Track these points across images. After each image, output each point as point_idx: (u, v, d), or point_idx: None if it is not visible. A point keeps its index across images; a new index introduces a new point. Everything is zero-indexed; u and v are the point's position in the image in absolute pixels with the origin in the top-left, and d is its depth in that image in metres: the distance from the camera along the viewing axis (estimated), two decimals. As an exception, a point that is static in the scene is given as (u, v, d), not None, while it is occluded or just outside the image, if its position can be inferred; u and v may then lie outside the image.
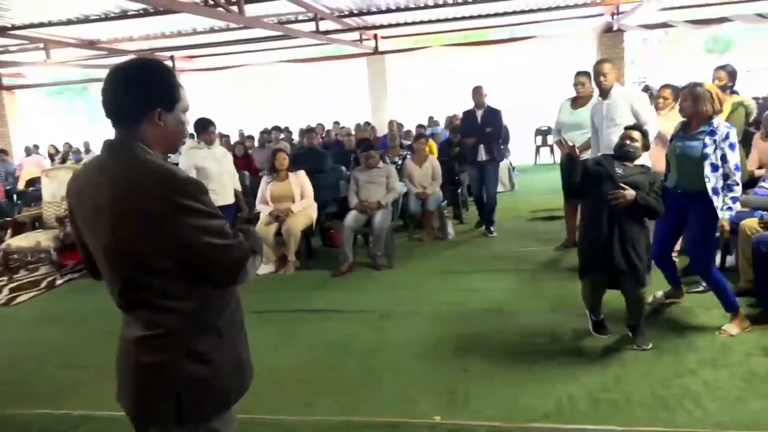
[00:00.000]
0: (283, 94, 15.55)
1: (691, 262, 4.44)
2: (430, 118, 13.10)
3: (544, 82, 13.84)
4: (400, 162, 7.80)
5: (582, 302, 4.22)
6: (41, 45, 10.83)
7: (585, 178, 3.94)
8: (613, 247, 3.79)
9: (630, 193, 3.73)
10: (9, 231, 7.03)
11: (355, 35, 12.64)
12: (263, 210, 6.44)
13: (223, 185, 5.57)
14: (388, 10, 10.94)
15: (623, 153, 4.00)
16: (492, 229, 7.17)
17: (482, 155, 7.00)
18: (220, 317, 1.77)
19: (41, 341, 4.99)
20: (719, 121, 3.95)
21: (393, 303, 5.22)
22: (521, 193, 10.28)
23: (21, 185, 11.51)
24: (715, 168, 3.90)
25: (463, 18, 11.94)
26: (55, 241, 6.61)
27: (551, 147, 13.28)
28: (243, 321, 1.92)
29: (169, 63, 14.28)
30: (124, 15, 9.67)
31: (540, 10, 11.55)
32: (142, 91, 1.67)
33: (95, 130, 15.77)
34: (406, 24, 12.41)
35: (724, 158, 3.88)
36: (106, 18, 9.76)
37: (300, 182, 6.49)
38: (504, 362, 3.91)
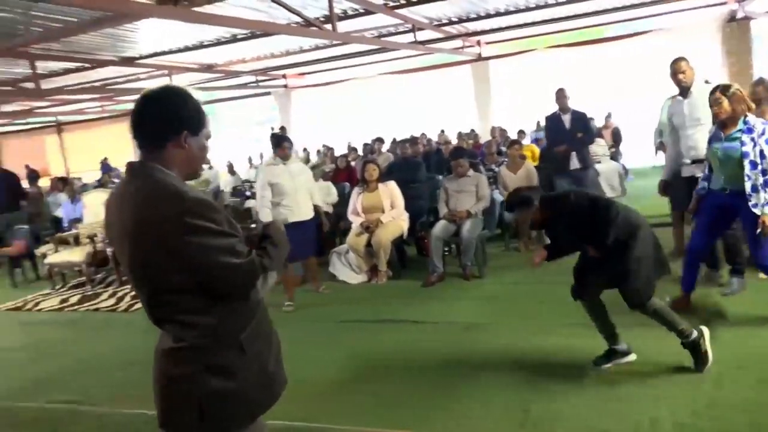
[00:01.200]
0: (389, 105, 15.73)
1: (756, 260, 4.25)
2: (538, 123, 12.71)
3: (662, 79, 12.90)
4: (497, 169, 7.62)
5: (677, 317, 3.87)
6: (165, 71, 11.77)
7: None
8: None
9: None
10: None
11: (457, 43, 12.56)
12: (354, 221, 6.54)
13: (297, 201, 5.56)
14: (488, 16, 10.78)
15: None
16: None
17: (575, 163, 6.62)
18: (243, 332, 1.81)
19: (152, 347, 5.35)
20: (755, 119, 3.98)
21: (478, 314, 5.10)
22: (633, 198, 9.61)
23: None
24: (754, 165, 3.92)
25: (576, 16, 11.45)
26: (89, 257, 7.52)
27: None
28: (271, 333, 1.96)
29: (281, 81, 15.02)
30: (234, 39, 10.28)
31: (659, 1, 10.82)
32: (171, 115, 1.76)
33: (217, 146, 16.93)
34: (509, 28, 12.16)
35: (762, 154, 3.90)
36: (219, 43, 10.42)
37: (390, 193, 6.53)
38: (586, 380, 3.67)
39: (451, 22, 11.09)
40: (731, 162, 4.02)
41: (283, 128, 12.03)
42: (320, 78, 15.46)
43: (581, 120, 6.65)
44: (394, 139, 12.71)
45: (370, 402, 3.75)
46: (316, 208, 5.86)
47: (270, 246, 1.92)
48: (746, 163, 3.93)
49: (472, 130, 12.51)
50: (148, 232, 1.67)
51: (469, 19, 11.00)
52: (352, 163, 10.31)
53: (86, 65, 10.79)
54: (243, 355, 1.80)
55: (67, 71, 11.22)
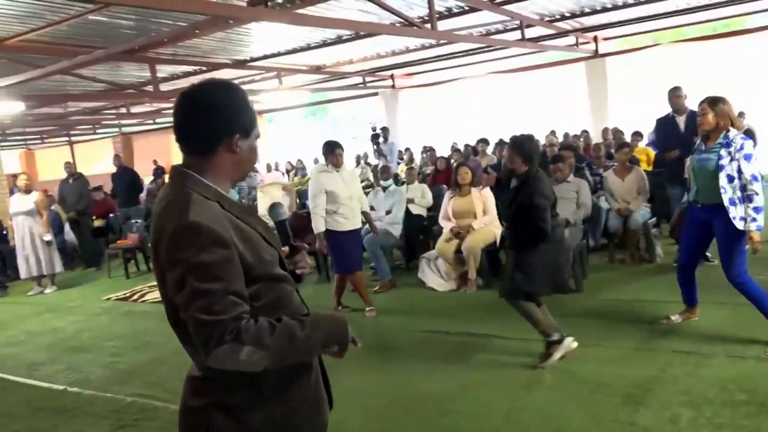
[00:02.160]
0: (497, 105, 15.24)
1: (728, 276, 4.12)
2: (658, 124, 11.75)
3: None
4: (604, 174, 7.05)
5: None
6: (275, 73, 12.10)
7: None
8: None
9: None
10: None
11: (571, 39, 11.91)
12: (445, 226, 6.31)
13: (351, 209, 5.37)
14: (605, 9, 10.10)
15: None
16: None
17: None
18: (264, 374, 1.51)
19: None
20: (735, 133, 4.00)
21: (568, 332, 4.68)
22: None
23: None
24: (731, 179, 3.94)
25: (706, 7, 10.45)
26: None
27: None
28: (309, 378, 1.68)
29: (389, 81, 15.01)
30: (339, 40, 10.35)
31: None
32: (222, 116, 1.55)
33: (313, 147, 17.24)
34: (629, 22, 11.33)
35: (740, 169, 3.92)
36: (324, 44, 10.53)
37: (483, 198, 6.22)
38: (682, 418, 3.22)
39: (563, 18, 10.51)
40: (705, 174, 4.06)
41: (385, 128, 11.97)
42: (428, 78, 15.28)
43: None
44: (501, 140, 12.29)
45: (439, 421, 3.54)
46: (364, 215, 5.67)
47: (308, 325, 1.55)
48: (722, 176, 3.95)
49: (584, 131, 11.79)
50: (158, 244, 1.51)
51: (584, 14, 10.36)
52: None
53: (203, 68, 11.32)
54: (259, 398, 1.57)
55: (186, 74, 11.85)
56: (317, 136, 20.21)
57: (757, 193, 3.89)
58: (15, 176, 9.72)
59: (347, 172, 5.59)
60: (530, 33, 10.83)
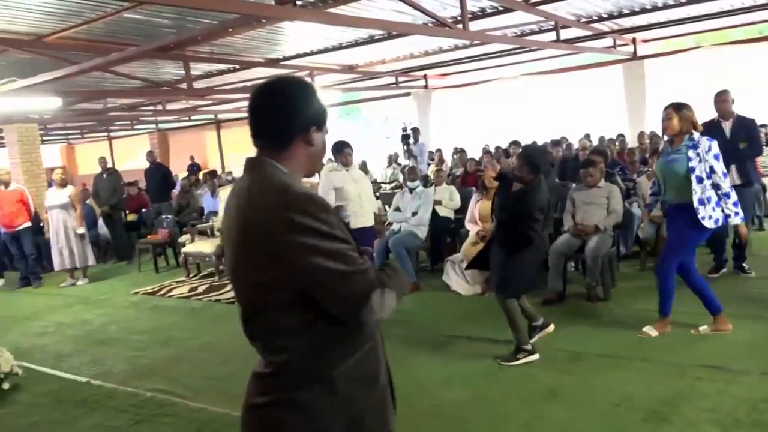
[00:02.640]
0: (532, 107, 14.98)
1: (660, 263, 4.52)
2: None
3: None
4: (638, 180, 6.87)
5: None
6: (307, 72, 12.13)
7: None
8: None
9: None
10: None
11: (608, 41, 11.65)
12: (471, 229, 6.21)
13: (361, 206, 5.38)
14: (644, 11, 9.85)
15: None
16: (745, 265, 5.86)
17: (735, 178, 5.56)
18: (337, 366, 1.52)
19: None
20: (699, 136, 4.21)
21: (591, 343, 4.56)
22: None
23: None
24: (700, 180, 4.15)
25: (758, 8, 10.10)
26: (218, 248, 7.53)
27: None
28: (378, 379, 1.63)
29: (422, 82, 14.93)
30: (371, 40, 10.32)
31: None
32: (300, 108, 1.59)
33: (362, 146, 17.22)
34: (670, 23, 11.03)
35: (711, 170, 4.16)
36: (356, 44, 10.52)
37: (510, 201, 6.09)
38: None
39: (601, 19, 10.29)
40: (673, 175, 4.27)
41: (415, 129, 11.90)
42: (461, 79, 15.15)
43: (746, 128, 5.68)
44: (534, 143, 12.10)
45: (453, 428, 3.46)
46: (375, 216, 5.69)
47: (389, 270, 1.62)
48: (693, 178, 4.14)
49: (620, 135, 11.50)
50: (249, 230, 1.48)
51: (622, 15, 10.13)
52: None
53: (236, 66, 11.42)
54: (333, 396, 1.52)
55: (220, 72, 11.97)
56: (350, 136, 20.32)
57: (730, 190, 4.20)
58: (52, 170, 9.93)
59: (357, 171, 5.66)
60: (566, 34, 10.64)
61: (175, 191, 11.86)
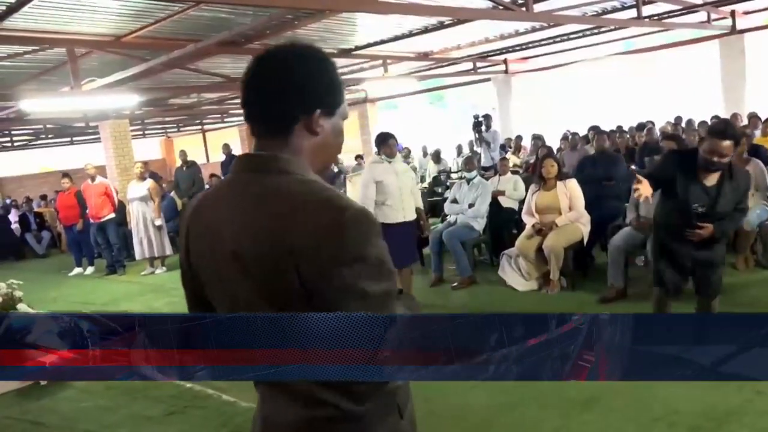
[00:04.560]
0: (617, 89, 14.13)
1: None
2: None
3: None
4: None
5: None
6: (380, 61, 12.05)
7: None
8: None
9: (708, 230, 3.54)
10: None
11: (702, 15, 10.72)
12: (527, 222, 5.91)
13: (401, 201, 5.18)
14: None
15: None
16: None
17: None
18: (398, 389, 1.30)
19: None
20: None
21: (645, 348, 4.18)
22: None
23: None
24: None
25: None
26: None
27: None
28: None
29: (502, 66, 14.44)
30: (440, 26, 10.07)
31: None
32: (299, 86, 1.24)
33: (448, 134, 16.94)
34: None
35: None
36: (426, 30, 10.30)
37: (569, 192, 5.74)
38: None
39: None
40: None
41: (487, 116, 11.53)
42: (542, 62, 14.50)
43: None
44: (619, 128, 11.40)
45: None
46: (417, 210, 5.41)
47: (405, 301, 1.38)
48: None
49: (714, 118, 10.57)
50: (283, 254, 1.14)
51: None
52: (560, 154, 9.46)
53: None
54: (402, 421, 1.32)
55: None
56: (437, 124, 20.13)
57: None
58: (145, 163, 10.45)
59: (399, 164, 5.44)
60: (652, 10, 9.91)
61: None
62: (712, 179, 3.52)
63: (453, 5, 7.58)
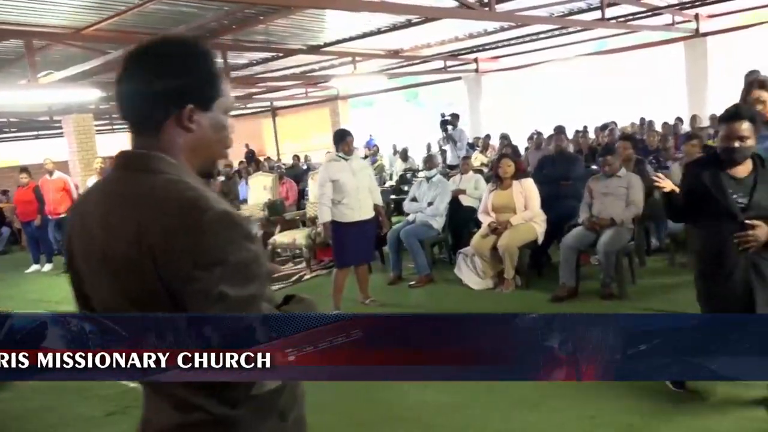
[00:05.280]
0: (586, 89, 14.26)
1: None
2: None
3: None
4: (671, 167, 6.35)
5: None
6: (349, 58, 12.02)
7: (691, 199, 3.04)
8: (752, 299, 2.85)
9: (764, 231, 2.82)
10: (278, 227, 7.90)
11: (667, 18, 10.87)
12: (483, 220, 5.94)
13: (358, 200, 5.15)
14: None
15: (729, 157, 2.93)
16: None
17: None
18: (282, 392, 1.26)
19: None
20: None
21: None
22: None
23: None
24: None
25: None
26: (307, 239, 7.17)
27: None
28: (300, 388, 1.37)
29: (473, 65, 14.48)
30: (409, 24, 10.08)
31: None
32: (166, 82, 1.18)
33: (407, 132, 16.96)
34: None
35: None
36: (395, 28, 10.30)
37: (525, 191, 5.78)
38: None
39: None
40: None
41: (454, 115, 11.56)
42: (512, 61, 14.59)
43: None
44: (584, 128, 11.53)
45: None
46: (375, 208, 5.38)
47: (293, 305, 1.34)
48: None
49: (678, 119, 10.75)
50: (147, 254, 1.11)
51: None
52: (525, 153, 9.53)
53: (279, 54, 11.45)
54: (283, 424, 1.27)
55: (264, 60, 12.03)
56: (412, 122, 20.12)
57: None
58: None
59: (356, 162, 5.39)
60: (618, 11, 10.03)
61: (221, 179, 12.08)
62: (742, 171, 2.98)
63: (416, 3, 7.57)
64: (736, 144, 2.89)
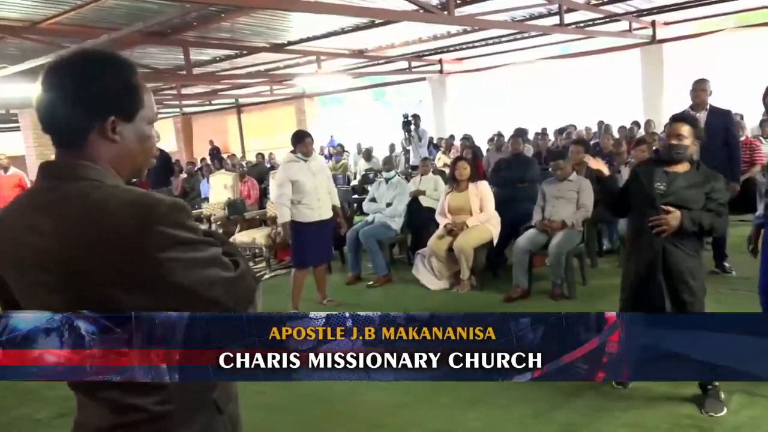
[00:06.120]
0: (547, 92, 14.54)
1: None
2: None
3: None
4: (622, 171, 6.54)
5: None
6: (313, 57, 12.01)
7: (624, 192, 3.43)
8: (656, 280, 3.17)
9: (675, 216, 3.08)
10: (238, 226, 7.88)
11: (624, 24, 11.13)
12: (440, 222, 6.03)
13: (317, 200, 5.22)
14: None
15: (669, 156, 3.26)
16: (726, 264, 5.51)
17: None
18: (215, 388, 1.31)
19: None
20: None
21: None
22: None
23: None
24: None
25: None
26: (267, 238, 7.18)
27: None
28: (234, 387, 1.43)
29: (437, 66, 14.60)
30: (372, 24, 10.12)
31: None
32: (87, 95, 1.21)
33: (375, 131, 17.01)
34: (692, 4, 10.49)
35: None
36: (358, 28, 10.33)
37: (480, 194, 5.89)
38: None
39: (615, 0, 9.86)
40: None
41: (416, 116, 11.67)
42: (475, 63, 14.75)
43: (720, 119, 5.34)
44: (543, 130, 11.72)
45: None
46: (333, 209, 5.46)
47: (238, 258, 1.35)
48: None
49: (634, 123, 11.03)
50: (99, 256, 1.14)
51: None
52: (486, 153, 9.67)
53: (243, 52, 11.39)
54: (220, 416, 1.32)
55: (227, 57, 11.93)
56: (380, 120, 20.16)
57: None
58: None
59: (314, 162, 5.42)
60: (576, 17, 10.24)
61: (184, 175, 11.99)
62: (679, 169, 3.25)
63: (375, 6, 7.62)
64: (675, 141, 3.23)
